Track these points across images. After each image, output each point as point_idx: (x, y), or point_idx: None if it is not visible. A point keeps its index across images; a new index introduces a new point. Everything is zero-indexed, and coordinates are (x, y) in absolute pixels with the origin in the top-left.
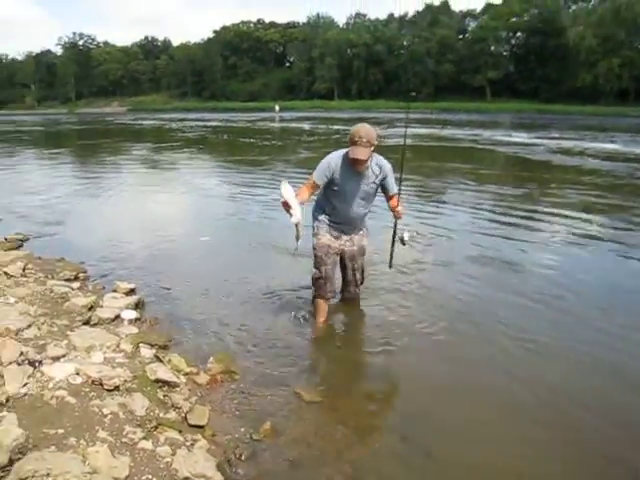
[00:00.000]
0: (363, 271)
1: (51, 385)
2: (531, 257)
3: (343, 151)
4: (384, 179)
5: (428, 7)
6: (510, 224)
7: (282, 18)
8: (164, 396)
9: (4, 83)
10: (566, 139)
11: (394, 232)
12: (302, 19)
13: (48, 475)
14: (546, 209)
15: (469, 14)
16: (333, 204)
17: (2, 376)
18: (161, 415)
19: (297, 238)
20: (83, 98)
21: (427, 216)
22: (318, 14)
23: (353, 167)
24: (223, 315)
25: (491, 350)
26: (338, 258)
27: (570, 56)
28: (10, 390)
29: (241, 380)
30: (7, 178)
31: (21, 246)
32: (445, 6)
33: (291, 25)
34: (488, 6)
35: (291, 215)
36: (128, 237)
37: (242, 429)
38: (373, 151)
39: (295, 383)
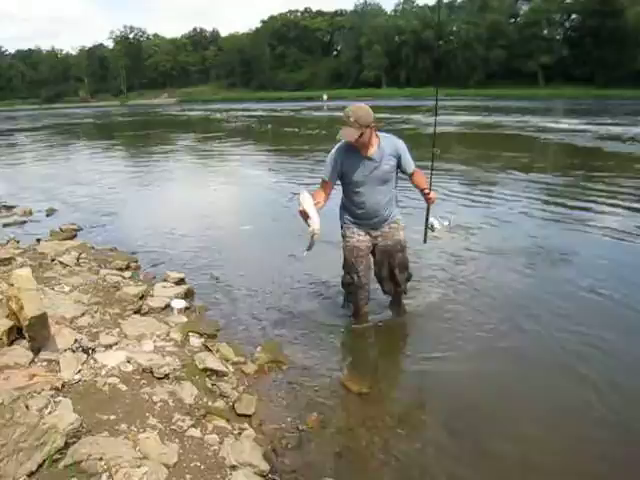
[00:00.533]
0: (406, 268)
1: (103, 372)
2: (584, 248)
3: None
4: (398, 158)
5: None
6: (560, 213)
7: (329, 6)
8: (212, 385)
9: (59, 77)
10: (618, 125)
11: (427, 213)
12: (349, 7)
13: (101, 459)
14: (597, 198)
15: None
16: (352, 199)
17: (58, 362)
18: (209, 404)
19: (309, 247)
20: (134, 90)
21: (472, 204)
22: (365, 1)
23: (359, 152)
24: (270, 305)
25: (550, 345)
26: (371, 259)
27: (629, 38)
28: (65, 376)
29: (288, 370)
30: (62, 169)
31: (75, 236)
32: None
33: (338, 13)
34: None
35: (308, 225)
36: (176, 227)
37: (289, 419)
38: (371, 132)
39: (342, 374)
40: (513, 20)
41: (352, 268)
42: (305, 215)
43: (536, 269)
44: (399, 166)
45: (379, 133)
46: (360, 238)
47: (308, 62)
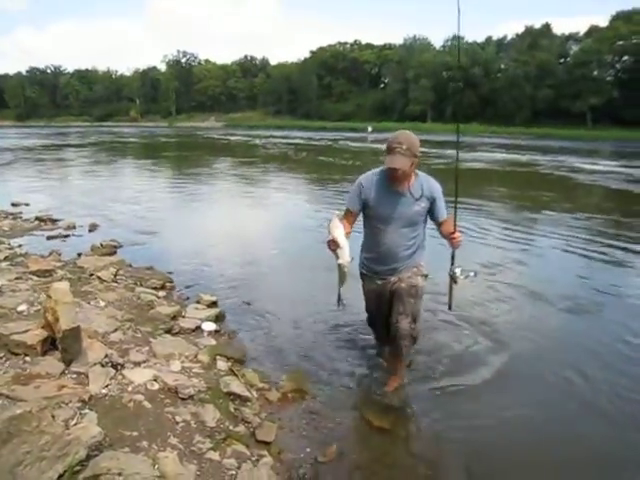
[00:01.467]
0: (415, 321)
1: (130, 389)
2: (629, 289)
3: (379, 169)
4: (432, 202)
5: (528, 30)
6: (595, 256)
7: (378, 40)
8: (235, 409)
9: (112, 97)
10: None
11: (452, 259)
12: (398, 40)
13: (120, 474)
14: (630, 240)
15: (571, 37)
16: (372, 236)
17: (87, 375)
18: (230, 428)
19: (341, 282)
20: (183, 113)
21: (505, 241)
22: (414, 36)
23: (391, 185)
24: (298, 334)
25: (595, 400)
26: (385, 304)
27: None
28: (93, 390)
29: (311, 400)
30: (105, 186)
31: (115, 252)
32: (546, 29)
33: (387, 47)
34: (592, 29)
35: (337, 256)
36: (212, 249)
37: (308, 449)
38: (415, 165)
39: (365, 408)
40: (562, 60)
41: (367, 306)
42: (335, 245)
43: (579, 315)
44: (430, 211)
45: (417, 171)
46: (374, 282)
47: (354, 93)
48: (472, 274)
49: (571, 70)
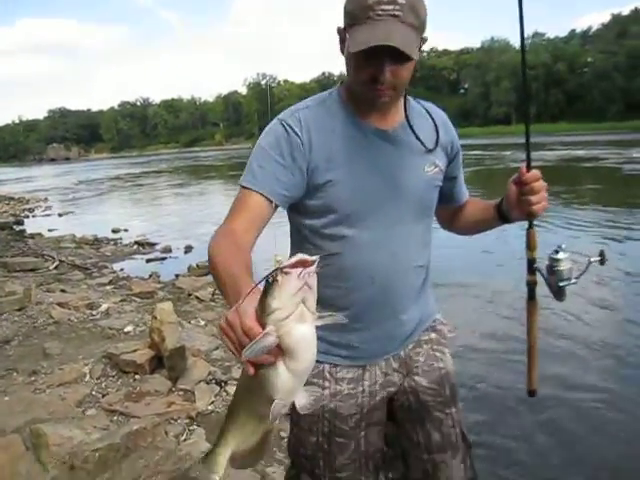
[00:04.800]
0: (468, 453)
1: None
2: None
3: (326, 92)
4: (453, 159)
5: (615, 18)
6: None
7: (455, 45)
8: None
9: (197, 123)
10: None
11: (530, 257)
12: (476, 44)
13: None
14: None
15: None
16: (334, 261)
17: (193, 392)
18: None
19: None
20: None
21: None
22: (492, 37)
23: (366, 118)
24: None
25: None
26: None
27: None
28: (199, 406)
29: None
30: (196, 209)
31: (210, 273)
32: (635, 15)
33: (465, 51)
34: None
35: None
36: None
37: None
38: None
39: None
40: None
41: (315, 460)
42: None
43: None
44: (446, 180)
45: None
46: (344, 389)
47: (434, 101)
48: (595, 258)
49: None
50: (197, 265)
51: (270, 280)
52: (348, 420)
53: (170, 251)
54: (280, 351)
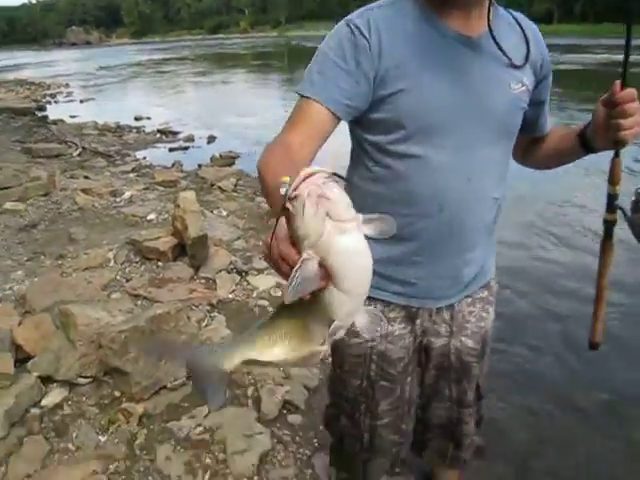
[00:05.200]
0: (480, 398)
1: (254, 294)
2: None
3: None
4: (542, 80)
5: None
6: None
7: None
8: None
9: (221, 9)
10: None
11: (611, 173)
12: None
13: (249, 374)
14: None
15: None
16: (395, 186)
17: (214, 281)
18: None
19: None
20: (292, 22)
21: None
22: None
23: (446, 20)
24: None
25: None
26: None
27: None
28: (221, 294)
29: None
30: (222, 99)
31: (233, 163)
32: None
33: None
34: None
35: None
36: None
37: None
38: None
39: None
40: None
41: (356, 404)
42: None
43: None
44: (532, 104)
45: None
46: (396, 330)
47: None
48: None
49: None
50: (220, 155)
51: (283, 209)
52: (397, 364)
53: (193, 140)
54: (329, 273)
